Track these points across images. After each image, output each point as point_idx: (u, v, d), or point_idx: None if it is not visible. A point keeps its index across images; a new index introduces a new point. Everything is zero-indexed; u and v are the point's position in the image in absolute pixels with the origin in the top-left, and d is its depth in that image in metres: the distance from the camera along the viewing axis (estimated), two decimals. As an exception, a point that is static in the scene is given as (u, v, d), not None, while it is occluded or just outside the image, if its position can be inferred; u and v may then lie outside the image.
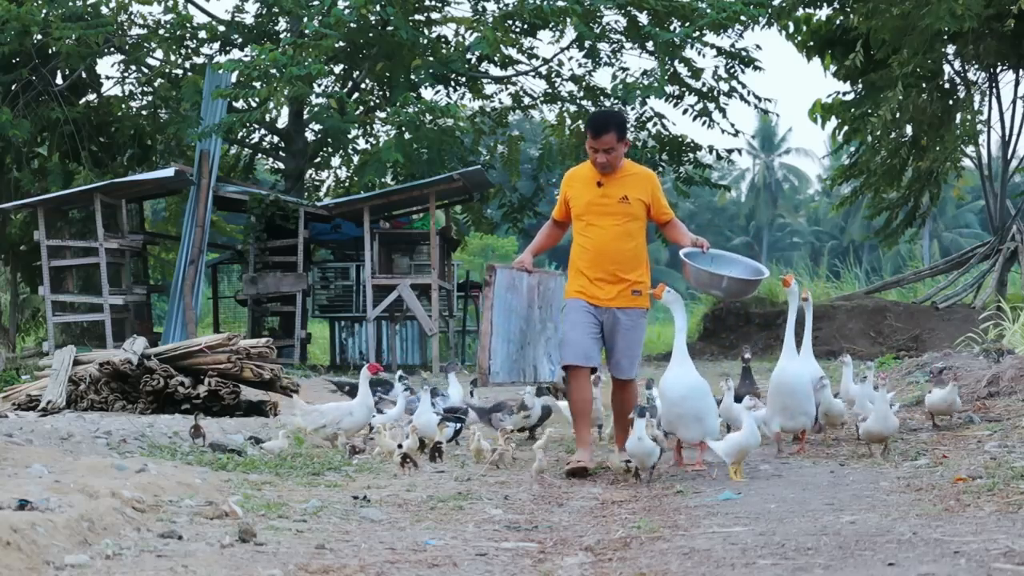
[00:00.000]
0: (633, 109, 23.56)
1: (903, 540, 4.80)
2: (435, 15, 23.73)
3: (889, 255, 37.23)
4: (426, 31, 23.10)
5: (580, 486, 7.07)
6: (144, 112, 23.90)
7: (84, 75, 23.10)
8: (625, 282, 7.61)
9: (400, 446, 7.95)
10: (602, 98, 23.95)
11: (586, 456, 7.50)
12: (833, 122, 23.82)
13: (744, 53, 23.01)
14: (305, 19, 21.34)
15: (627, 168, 7.75)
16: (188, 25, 22.85)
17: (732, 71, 23.13)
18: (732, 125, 23.56)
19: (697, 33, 21.65)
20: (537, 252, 8.02)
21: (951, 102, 21.96)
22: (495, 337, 7.86)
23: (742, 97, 23.23)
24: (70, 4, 21.60)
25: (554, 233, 8.02)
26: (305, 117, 23.48)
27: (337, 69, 23.51)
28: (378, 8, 20.79)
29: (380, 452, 8.24)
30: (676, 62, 22.47)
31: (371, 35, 22.04)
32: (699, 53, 22.69)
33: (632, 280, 7.63)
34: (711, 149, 24.21)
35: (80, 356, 10.98)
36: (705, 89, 23.17)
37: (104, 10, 22.21)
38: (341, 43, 21.69)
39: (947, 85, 22.28)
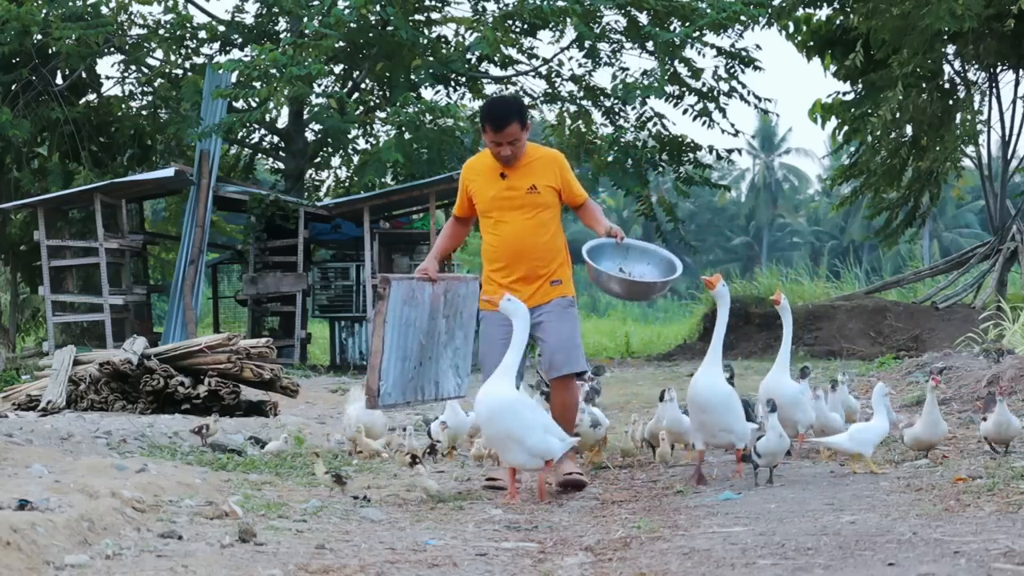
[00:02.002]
0: (633, 109, 23.58)
1: (903, 540, 4.81)
2: (435, 15, 23.73)
3: (889, 255, 37.24)
4: (426, 31, 23.10)
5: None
6: (144, 112, 23.90)
7: (84, 75, 23.10)
8: (542, 277, 6.95)
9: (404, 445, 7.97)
10: (602, 98, 23.96)
11: (502, 473, 6.85)
12: (833, 122, 23.81)
13: (744, 53, 23.00)
14: (305, 19, 21.34)
15: (530, 153, 7.00)
16: (188, 25, 22.85)
17: (732, 71, 23.12)
18: (732, 125, 23.56)
19: (697, 33, 21.64)
20: (442, 256, 7.24)
21: (951, 102, 21.94)
22: (388, 356, 7.10)
23: (742, 97, 23.24)
24: (70, 4, 21.60)
25: (458, 231, 7.32)
26: (305, 117, 23.48)
27: (337, 69, 23.51)
28: (378, 8, 20.78)
29: (362, 453, 8.20)
30: (676, 62, 22.47)
31: (371, 35, 22.04)
32: (699, 53, 22.69)
33: (549, 272, 6.97)
34: (711, 149, 24.19)
35: (80, 356, 10.98)
36: (705, 89, 23.17)
37: (104, 10, 22.20)
38: (341, 43, 21.69)
39: (947, 85, 22.27)
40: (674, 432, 7.76)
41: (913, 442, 7.30)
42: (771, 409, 6.78)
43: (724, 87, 23.15)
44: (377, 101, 24.23)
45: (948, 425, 7.81)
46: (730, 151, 24.45)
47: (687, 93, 23.17)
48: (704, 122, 23.17)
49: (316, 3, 20.98)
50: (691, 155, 23.73)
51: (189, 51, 23.45)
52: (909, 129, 22.53)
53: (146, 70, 23.75)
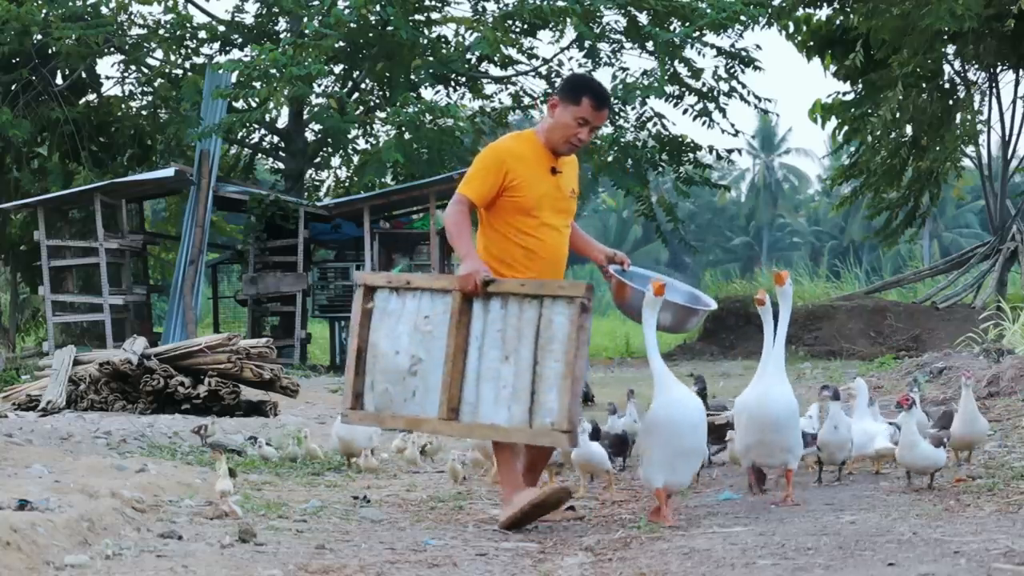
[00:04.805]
0: (633, 109, 23.58)
1: (903, 540, 4.80)
2: (435, 15, 23.73)
3: (889, 255, 37.24)
4: (426, 31, 23.11)
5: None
6: (144, 112, 23.92)
7: (84, 75, 23.12)
8: None
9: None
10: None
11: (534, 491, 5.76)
12: (833, 122, 23.81)
13: (744, 53, 23.01)
14: (305, 19, 21.36)
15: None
16: (188, 25, 22.88)
17: (732, 71, 23.13)
18: (732, 125, 23.59)
19: (697, 33, 21.67)
20: None
21: (951, 102, 21.95)
22: None
23: (742, 97, 23.24)
24: (70, 4, 21.61)
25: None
26: (305, 117, 23.48)
27: (337, 69, 23.52)
28: (378, 8, 20.80)
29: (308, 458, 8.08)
30: (676, 62, 22.47)
31: (371, 35, 22.05)
32: (699, 53, 22.71)
33: None
34: (711, 149, 24.21)
35: (80, 356, 10.98)
36: (705, 89, 23.17)
37: (104, 10, 22.24)
38: (341, 43, 21.70)
39: (947, 85, 22.28)
40: (588, 465, 6.53)
41: (953, 442, 6.71)
42: (833, 397, 6.42)
43: (724, 87, 23.17)
44: (377, 101, 24.23)
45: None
46: (730, 151, 24.49)
47: (687, 93, 23.18)
48: (704, 122, 23.18)
49: (316, 3, 21.00)
50: (691, 155, 23.73)
51: (189, 51, 23.47)
52: (909, 129, 22.53)
53: (146, 70, 23.76)
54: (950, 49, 21.88)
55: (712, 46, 22.67)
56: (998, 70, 22.42)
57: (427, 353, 5.79)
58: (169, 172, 19.53)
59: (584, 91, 5.80)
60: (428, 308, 5.84)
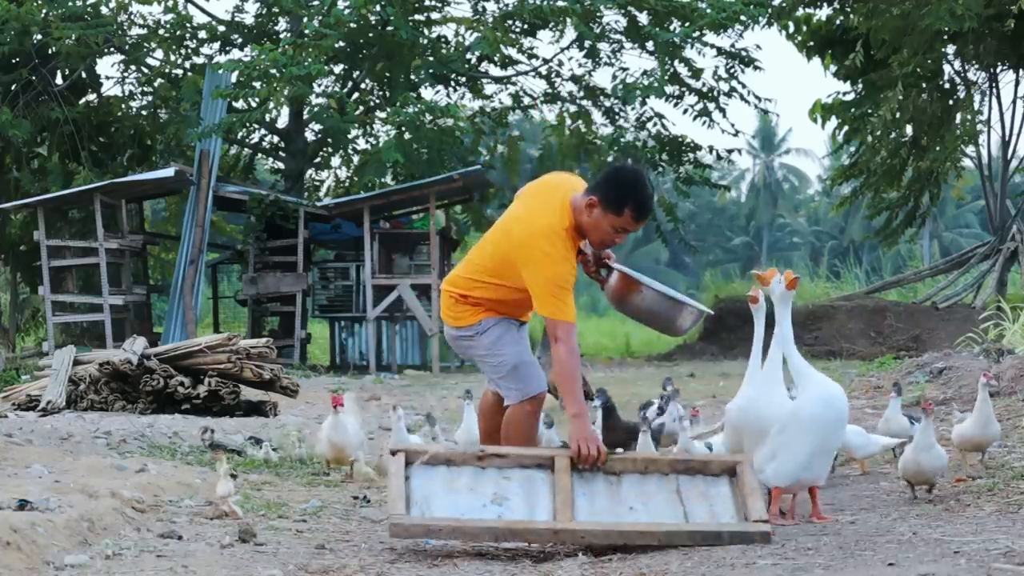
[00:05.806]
0: (633, 109, 23.58)
1: (903, 540, 4.80)
2: (435, 15, 23.73)
3: (889, 255, 37.23)
4: (426, 31, 23.12)
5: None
6: (144, 112, 23.92)
7: (84, 75, 23.12)
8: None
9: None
10: (602, 98, 23.96)
11: None
12: (833, 122, 23.79)
13: (744, 53, 23.02)
14: (305, 19, 21.37)
15: None
16: (188, 25, 22.89)
17: (732, 71, 23.14)
18: (732, 125, 23.60)
19: (697, 33, 21.68)
20: None
21: (951, 102, 21.94)
22: None
23: (742, 97, 23.25)
24: (70, 4, 21.60)
25: None
26: (305, 117, 23.49)
27: (337, 69, 23.53)
28: (378, 8, 20.80)
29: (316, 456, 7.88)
30: (676, 62, 22.48)
31: (371, 35, 22.06)
32: (699, 53, 22.73)
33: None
34: (711, 149, 24.23)
35: (80, 356, 10.98)
36: (705, 89, 23.18)
37: (104, 10, 22.23)
38: (341, 43, 21.70)
39: (947, 85, 22.27)
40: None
41: (962, 442, 6.53)
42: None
43: (724, 87, 23.17)
44: (377, 101, 24.24)
45: (947, 425, 7.70)
46: (730, 151, 24.50)
47: (687, 93, 23.19)
48: (704, 122, 23.19)
49: (316, 3, 21.00)
50: (691, 155, 23.75)
51: (189, 51, 23.47)
52: (909, 129, 22.52)
53: (146, 70, 23.76)
54: (950, 49, 21.86)
55: (712, 46, 22.68)
56: (998, 70, 22.41)
57: (512, 493, 5.21)
58: (169, 172, 19.53)
59: (627, 202, 5.51)
60: (508, 471, 5.30)
